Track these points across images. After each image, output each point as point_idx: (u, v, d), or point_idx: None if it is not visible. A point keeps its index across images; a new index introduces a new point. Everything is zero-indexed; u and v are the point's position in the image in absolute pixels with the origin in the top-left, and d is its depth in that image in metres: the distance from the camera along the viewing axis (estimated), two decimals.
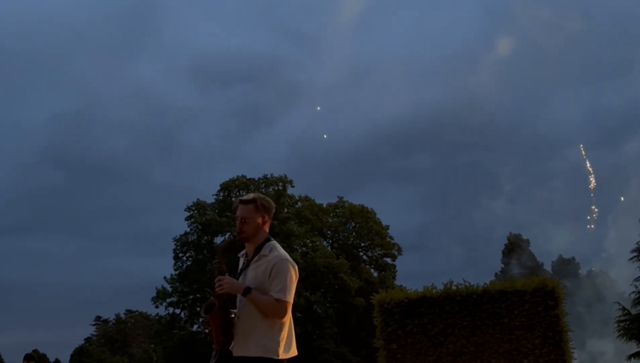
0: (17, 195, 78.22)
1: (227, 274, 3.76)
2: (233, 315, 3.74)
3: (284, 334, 3.69)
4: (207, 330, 3.82)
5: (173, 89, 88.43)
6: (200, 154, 76.99)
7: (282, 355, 3.64)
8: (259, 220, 3.84)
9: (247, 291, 3.61)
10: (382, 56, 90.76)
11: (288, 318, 3.72)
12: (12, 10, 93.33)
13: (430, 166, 79.35)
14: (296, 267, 3.78)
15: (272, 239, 3.89)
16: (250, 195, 3.96)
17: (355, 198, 67.08)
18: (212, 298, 3.78)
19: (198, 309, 38.04)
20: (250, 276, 3.72)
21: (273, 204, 3.98)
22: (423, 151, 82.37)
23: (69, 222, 79.11)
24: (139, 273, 74.02)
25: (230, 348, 3.72)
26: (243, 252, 3.97)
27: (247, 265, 3.84)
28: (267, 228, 3.89)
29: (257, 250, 3.82)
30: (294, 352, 3.73)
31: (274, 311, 3.61)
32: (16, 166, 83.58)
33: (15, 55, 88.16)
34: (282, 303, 3.61)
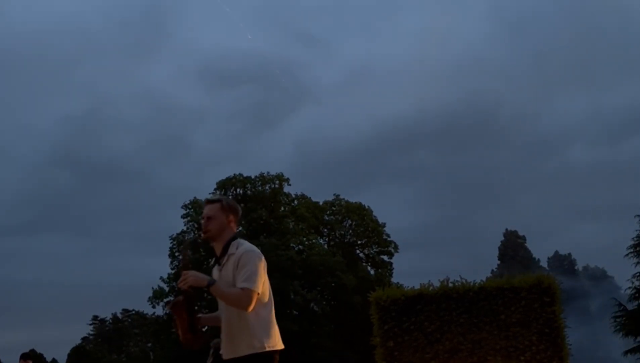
0: (24, 195, 78.27)
1: (191, 269, 3.76)
2: (200, 315, 3.74)
3: (269, 327, 3.70)
4: (176, 329, 3.81)
5: (181, 90, 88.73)
6: (207, 154, 77.14)
7: (269, 347, 3.65)
8: (224, 219, 3.85)
9: (210, 283, 3.59)
10: (388, 56, 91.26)
11: (269, 310, 3.73)
12: (24, 15, 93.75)
13: (433, 165, 79.72)
14: (262, 257, 3.76)
15: (238, 237, 3.88)
16: (217, 196, 4.01)
17: (359, 197, 67.37)
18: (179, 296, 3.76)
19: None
20: (220, 276, 3.73)
21: (239, 207, 4.00)
22: (426, 149, 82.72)
23: (75, 222, 79.25)
24: (138, 273, 73.99)
25: (219, 352, 3.73)
26: (213, 260, 3.96)
27: (214, 264, 3.86)
28: (234, 228, 3.90)
29: (225, 249, 3.82)
30: (280, 344, 3.73)
31: (239, 300, 3.58)
32: (25, 167, 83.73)
33: (26, 58, 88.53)
34: (247, 292, 3.58)
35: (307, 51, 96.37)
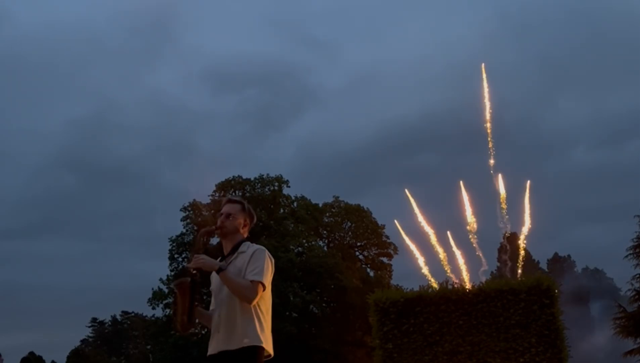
0: (29, 199, 78.64)
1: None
2: (197, 304, 3.81)
3: (264, 325, 3.76)
4: (174, 307, 3.89)
5: (187, 93, 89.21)
6: (212, 157, 77.46)
7: (264, 344, 3.70)
8: (241, 221, 3.95)
9: (222, 268, 3.68)
10: (393, 60, 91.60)
11: (267, 311, 3.80)
12: (32, 20, 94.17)
13: (435, 167, 79.97)
14: (273, 260, 3.86)
15: (249, 241, 3.97)
16: (239, 197, 4.09)
17: (362, 199, 67.47)
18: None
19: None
20: (229, 268, 3.78)
21: (255, 215, 4.09)
22: (429, 152, 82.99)
23: (78, 225, 79.57)
24: (138, 275, 74.06)
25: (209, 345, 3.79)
26: (218, 259, 4.01)
27: (221, 261, 3.91)
28: (245, 233, 3.98)
29: (234, 248, 3.90)
30: (271, 349, 3.78)
31: (246, 291, 3.65)
32: (31, 170, 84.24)
33: (34, 62, 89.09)
34: (255, 284, 3.67)
35: (312, 54, 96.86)
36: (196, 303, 3.79)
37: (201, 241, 3.97)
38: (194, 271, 3.76)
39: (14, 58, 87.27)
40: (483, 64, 21.83)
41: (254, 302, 3.68)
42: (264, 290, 3.72)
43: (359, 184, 72.64)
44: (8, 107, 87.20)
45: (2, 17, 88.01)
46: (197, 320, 3.88)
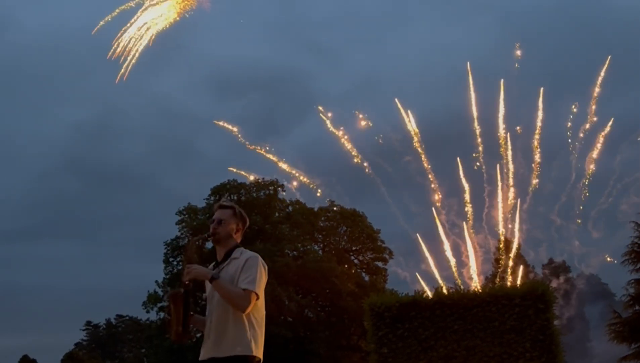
0: (33, 201, 78.97)
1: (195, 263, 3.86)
2: (192, 313, 3.82)
3: (259, 333, 3.75)
4: (167, 318, 3.89)
5: (190, 98, 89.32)
6: (213, 162, 77.61)
7: (255, 352, 3.69)
8: (233, 226, 3.96)
9: (214, 277, 3.69)
10: (395, 66, 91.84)
11: (261, 318, 3.80)
12: (37, 25, 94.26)
13: (436, 172, 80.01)
14: (266, 267, 3.87)
15: (242, 247, 3.98)
16: (230, 202, 4.11)
17: (360, 204, 67.61)
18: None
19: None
20: (222, 275, 3.78)
21: (247, 219, 4.11)
22: (431, 157, 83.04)
23: (80, 228, 79.81)
24: (133, 278, 74.01)
25: (192, 343, 3.79)
26: (212, 264, 4.03)
27: (215, 267, 3.92)
28: (238, 238, 3.99)
29: (227, 254, 3.90)
30: (261, 354, 3.78)
31: (239, 300, 3.64)
32: (36, 173, 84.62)
33: (39, 67, 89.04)
34: (248, 293, 3.66)
35: (315, 60, 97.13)
36: (191, 313, 3.81)
37: (193, 251, 3.99)
38: (187, 282, 3.78)
39: (19, 63, 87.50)
40: (468, 63, 21.87)
41: (247, 311, 3.67)
42: (257, 299, 3.71)
43: (359, 188, 72.73)
44: (13, 112, 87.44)
45: (7, 23, 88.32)
46: (194, 328, 3.89)
